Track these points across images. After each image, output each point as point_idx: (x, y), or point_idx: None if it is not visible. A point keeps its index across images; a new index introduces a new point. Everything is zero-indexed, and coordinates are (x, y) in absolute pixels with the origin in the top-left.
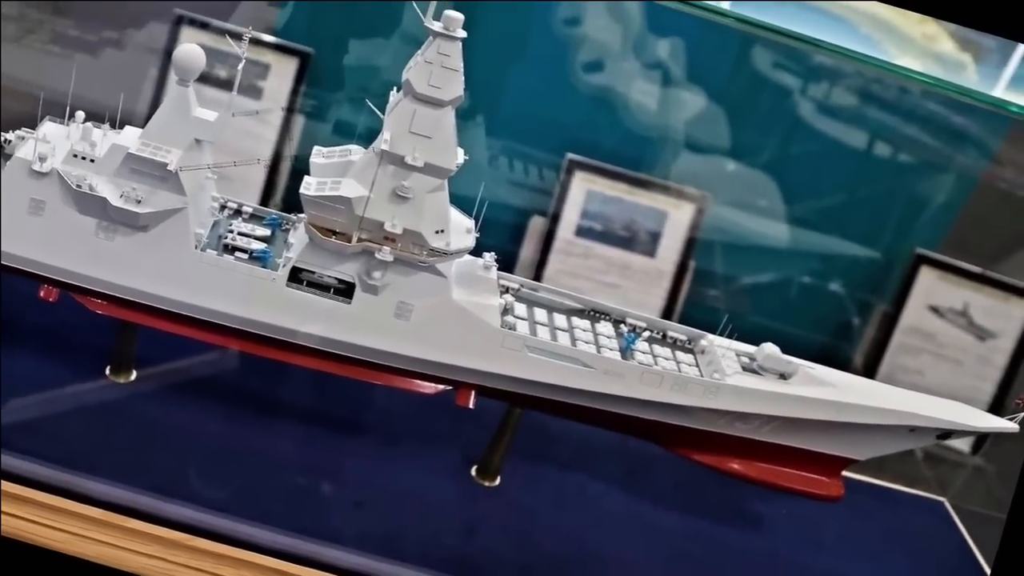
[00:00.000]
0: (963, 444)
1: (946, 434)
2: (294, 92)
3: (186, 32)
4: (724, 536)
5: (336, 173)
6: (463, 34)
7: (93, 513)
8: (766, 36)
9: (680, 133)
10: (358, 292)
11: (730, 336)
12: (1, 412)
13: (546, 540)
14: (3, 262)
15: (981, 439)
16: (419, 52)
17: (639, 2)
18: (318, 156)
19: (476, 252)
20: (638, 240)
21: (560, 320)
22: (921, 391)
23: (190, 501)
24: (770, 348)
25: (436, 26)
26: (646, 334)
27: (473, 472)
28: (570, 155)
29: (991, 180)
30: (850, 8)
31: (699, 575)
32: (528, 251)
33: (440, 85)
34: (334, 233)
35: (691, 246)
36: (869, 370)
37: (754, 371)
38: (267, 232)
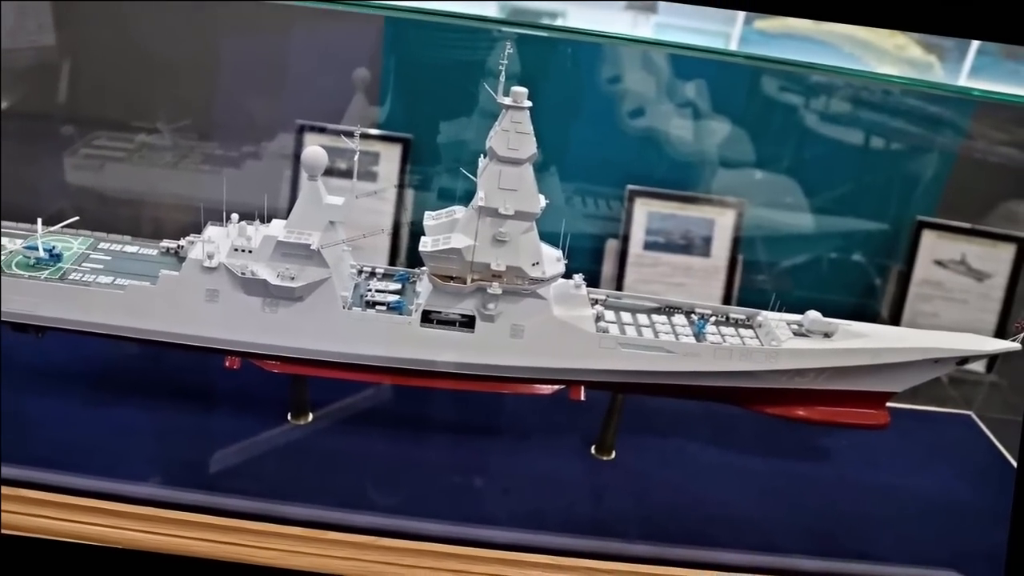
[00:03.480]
0: (979, 366)
1: (964, 360)
2: (402, 171)
3: (308, 137)
4: (800, 470)
5: (446, 230)
6: (529, 104)
7: (295, 532)
8: (770, 67)
9: (714, 155)
10: (478, 322)
11: (779, 310)
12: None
13: (659, 495)
14: (191, 343)
15: (993, 360)
16: (496, 123)
17: (665, 54)
18: (429, 219)
19: (567, 275)
20: (694, 245)
21: (642, 319)
22: (938, 329)
23: (371, 510)
24: (813, 314)
25: (507, 101)
26: (712, 319)
27: (592, 450)
28: (630, 186)
29: (967, 152)
30: (833, 34)
31: (785, 504)
32: (608, 268)
33: (517, 147)
34: (452, 278)
35: (737, 244)
36: (894, 319)
37: (803, 335)
38: (398, 286)
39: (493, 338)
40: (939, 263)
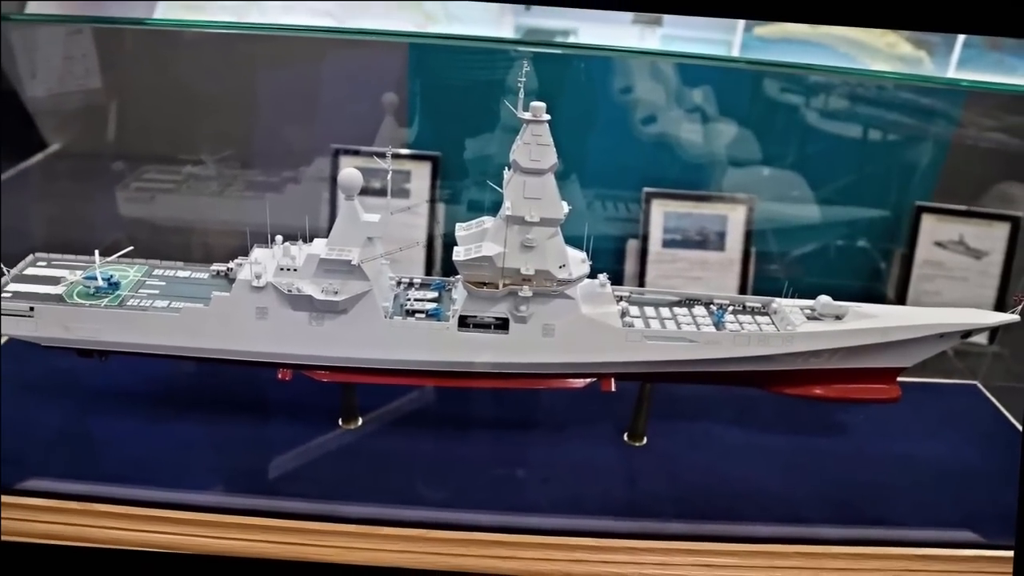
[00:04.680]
0: (981, 338)
1: (967, 333)
2: (432, 187)
3: (343, 159)
4: (820, 445)
5: (476, 240)
6: (548, 117)
7: (352, 529)
8: (770, 70)
9: (723, 155)
10: (512, 324)
11: (792, 296)
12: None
13: (689, 476)
14: (244, 359)
15: (994, 331)
16: (518, 137)
17: (672, 64)
18: (460, 230)
19: (592, 275)
20: (709, 241)
21: (665, 312)
22: (942, 306)
23: (421, 505)
24: (824, 299)
25: (526, 115)
26: (730, 308)
27: (625, 437)
28: (646, 188)
29: (959, 139)
30: (828, 36)
31: (809, 478)
32: (630, 266)
33: (539, 158)
34: (485, 284)
35: (750, 237)
36: (900, 299)
37: (816, 318)
38: (435, 294)
39: (526, 338)
40: (939, 244)
